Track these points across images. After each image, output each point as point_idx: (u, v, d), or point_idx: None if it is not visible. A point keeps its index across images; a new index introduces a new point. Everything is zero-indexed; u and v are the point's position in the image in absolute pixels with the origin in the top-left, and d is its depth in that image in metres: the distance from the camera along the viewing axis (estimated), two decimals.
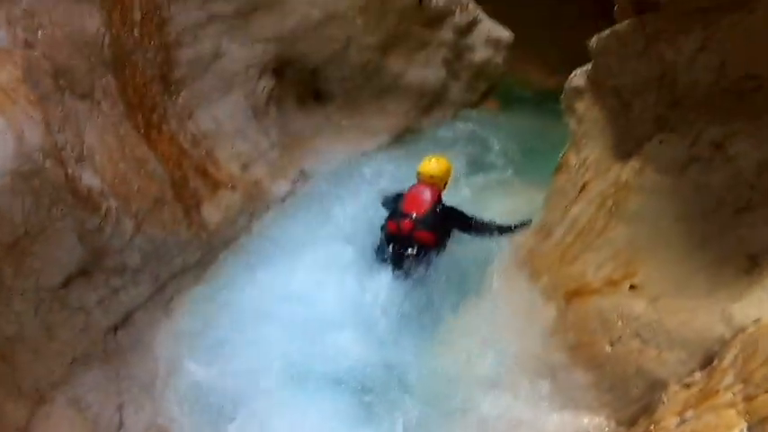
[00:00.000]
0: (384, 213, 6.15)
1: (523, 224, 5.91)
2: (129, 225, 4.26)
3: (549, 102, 5.70)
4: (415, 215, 5.76)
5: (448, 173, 6.20)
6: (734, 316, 3.13)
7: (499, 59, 10.09)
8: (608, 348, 3.93)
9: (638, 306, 3.82)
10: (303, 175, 7.23)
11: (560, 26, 8.64)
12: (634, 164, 4.34)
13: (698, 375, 3.22)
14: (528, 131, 9.36)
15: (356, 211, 6.62)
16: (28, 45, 4.03)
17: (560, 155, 5.54)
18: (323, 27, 7.46)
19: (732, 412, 2.62)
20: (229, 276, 5.48)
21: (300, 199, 6.92)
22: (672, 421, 3.01)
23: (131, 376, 4.26)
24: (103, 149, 4.30)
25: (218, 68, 6.33)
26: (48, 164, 3.57)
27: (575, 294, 4.43)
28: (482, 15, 9.69)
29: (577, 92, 5.19)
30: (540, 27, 12.43)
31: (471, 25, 9.51)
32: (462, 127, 9.35)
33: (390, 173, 7.58)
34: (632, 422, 3.63)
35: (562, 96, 5.45)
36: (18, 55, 3.91)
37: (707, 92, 3.81)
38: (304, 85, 7.99)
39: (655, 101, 4.24)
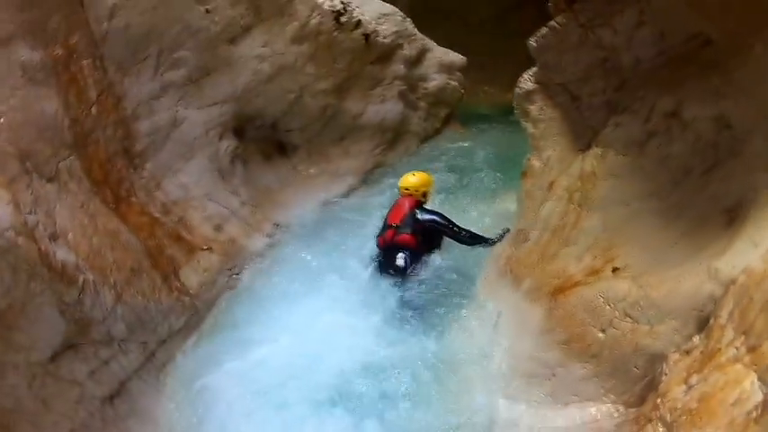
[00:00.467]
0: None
1: (502, 235, 6.01)
2: (108, 296, 4.27)
3: (510, 115, 5.80)
4: (395, 224, 6.23)
5: (424, 184, 6.61)
6: (721, 270, 3.11)
7: (455, 83, 10.22)
8: (600, 335, 3.93)
9: (623, 287, 3.82)
10: (278, 228, 7.24)
11: (509, 40, 8.78)
12: (595, 152, 4.41)
13: (696, 339, 3.19)
14: (494, 146, 9.51)
15: (333, 256, 6.68)
16: None
17: (525, 161, 5.61)
18: (275, 80, 7.55)
19: (738, 367, 2.59)
20: (217, 337, 5.44)
21: (278, 252, 6.93)
22: (678, 390, 2.97)
23: None
24: (75, 227, 4.34)
25: (179, 136, 6.37)
26: (20, 241, 3.62)
27: (559, 291, 4.45)
28: (430, 44, 9.83)
29: (528, 95, 5.26)
30: (490, 45, 12.67)
31: (421, 55, 9.65)
32: (429, 154, 9.48)
33: (362, 212, 7.67)
34: (640, 402, 3.57)
35: (514, 103, 5.53)
36: None
37: (652, 65, 3.90)
38: (266, 140, 8.05)
39: (602, 87, 4.33)
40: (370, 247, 6.52)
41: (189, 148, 6.48)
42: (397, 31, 8.96)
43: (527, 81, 5.29)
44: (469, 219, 6.80)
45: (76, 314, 3.99)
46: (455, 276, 6.05)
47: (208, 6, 6.57)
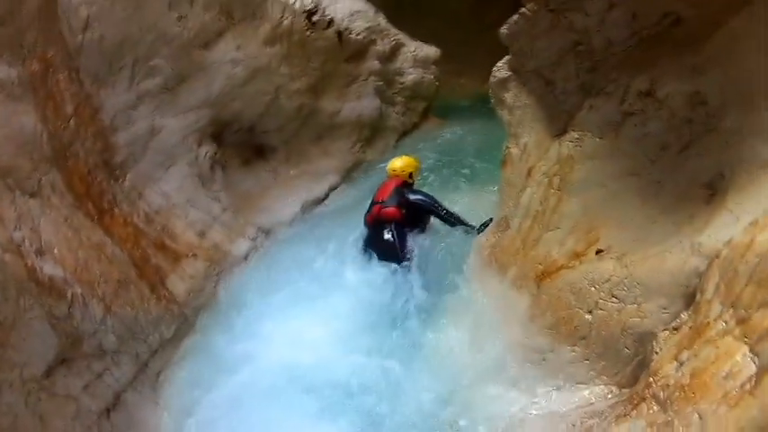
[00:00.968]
0: None
1: (486, 224, 6.04)
2: (97, 308, 4.28)
3: (487, 105, 5.83)
4: (381, 200, 6.52)
5: (409, 166, 6.98)
6: (704, 244, 3.14)
7: (430, 77, 10.24)
8: (588, 317, 3.96)
9: (607, 268, 3.86)
10: (261, 232, 7.24)
11: (484, 32, 8.79)
12: (571, 136, 4.42)
13: (684, 315, 3.22)
14: (473, 136, 9.54)
15: (319, 256, 6.66)
16: None
17: (503, 149, 5.64)
18: (250, 83, 7.56)
19: (729, 339, 2.62)
20: (209, 343, 5.43)
21: (263, 254, 6.96)
22: (669, 367, 3.00)
23: None
24: (61, 241, 4.35)
25: (157, 144, 6.38)
26: (7, 257, 3.64)
27: (543, 276, 4.47)
28: (404, 38, 9.84)
29: (502, 83, 5.25)
30: (465, 37, 12.67)
31: (395, 50, 9.67)
32: (409, 149, 9.37)
33: (345, 212, 7.67)
34: (633, 382, 3.62)
35: (490, 92, 5.55)
36: None
37: (624, 47, 3.90)
38: (245, 144, 8.05)
39: (575, 71, 4.32)
40: (354, 245, 6.58)
41: (168, 156, 6.49)
42: (369, 28, 8.96)
43: (501, 69, 5.27)
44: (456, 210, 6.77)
45: (67, 328, 4.00)
46: (445, 260, 6.09)
47: (180, 13, 6.58)
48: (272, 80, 7.80)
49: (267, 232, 7.31)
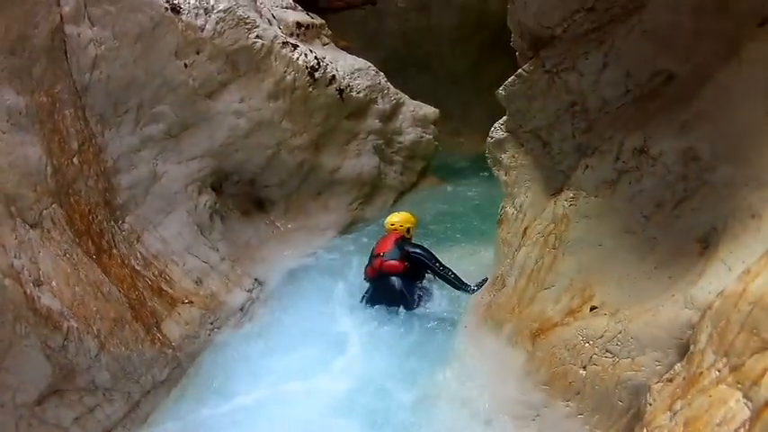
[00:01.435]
0: None
1: (481, 284, 6.15)
2: (92, 344, 4.25)
3: (486, 164, 5.93)
4: (382, 253, 6.66)
5: (407, 221, 7.18)
6: (696, 297, 3.18)
7: (429, 136, 10.37)
8: (582, 372, 3.98)
9: (601, 324, 3.90)
10: (258, 284, 7.24)
11: (482, 92, 8.97)
12: (566, 195, 4.52)
13: (678, 367, 3.23)
14: (471, 196, 9.67)
15: (313, 311, 6.66)
16: None
17: (499, 209, 5.71)
18: (252, 136, 7.66)
19: (722, 387, 2.62)
20: (200, 391, 5.36)
21: (258, 306, 6.89)
22: (663, 417, 3.00)
23: None
24: (59, 274, 4.35)
25: (159, 190, 6.44)
26: (7, 282, 3.64)
27: (538, 333, 4.52)
28: (404, 97, 10.00)
29: (499, 144, 5.39)
30: (463, 97, 12.90)
31: (395, 109, 9.82)
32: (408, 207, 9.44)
33: (341, 267, 7.67)
34: None
35: (487, 152, 5.65)
36: None
37: (618, 105, 4.03)
38: (245, 195, 8.13)
39: (571, 131, 4.45)
40: (350, 301, 6.68)
41: (168, 203, 6.54)
42: (370, 86, 9.13)
43: (498, 130, 5.42)
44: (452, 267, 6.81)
45: (61, 360, 3.98)
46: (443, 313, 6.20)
47: (186, 61, 6.72)
48: (274, 134, 7.90)
49: (263, 284, 7.28)
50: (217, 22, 7.11)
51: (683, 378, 3.08)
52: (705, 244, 3.45)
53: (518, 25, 4.65)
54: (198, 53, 6.88)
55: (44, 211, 4.61)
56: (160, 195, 6.43)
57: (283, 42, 7.81)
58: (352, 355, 5.82)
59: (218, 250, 7.00)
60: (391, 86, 9.75)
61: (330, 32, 9.77)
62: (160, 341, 5.25)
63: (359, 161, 9.15)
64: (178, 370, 5.39)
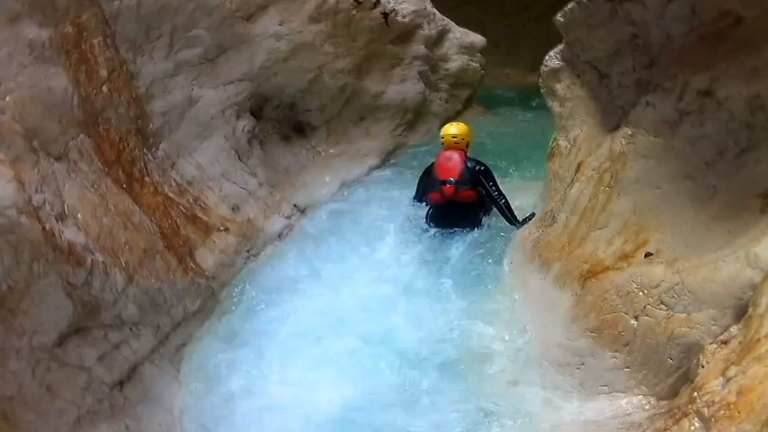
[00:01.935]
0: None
1: (527, 220, 5.95)
2: (119, 277, 4.13)
3: (533, 97, 5.66)
4: (453, 179, 6.28)
5: (469, 133, 6.68)
6: (760, 256, 3.01)
7: (476, 64, 10.04)
8: (633, 323, 3.82)
9: (657, 273, 3.71)
10: (297, 210, 7.11)
11: (529, 23, 8.62)
12: (624, 132, 4.28)
13: (734, 329, 3.10)
14: (517, 129, 9.34)
15: (355, 239, 6.51)
16: None
17: (550, 141, 5.47)
18: (292, 59, 7.42)
19: None
20: (235, 320, 5.29)
21: (297, 233, 6.78)
22: (715, 383, 2.86)
23: (141, 431, 4.10)
24: (85, 207, 4.21)
25: (194, 115, 6.25)
26: (23, 220, 3.50)
27: (589, 276, 4.32)
28: (450, 24, 9.66)
29: (554, 73, 5.13)
30: (511, 27, 12.49)
31: (442, 35, 9.49)
32: None
33: (385, 195, 7.48)
34: (673, 394, 3.49)
35: (540, 82, 5.37)
36: None
37: (683, 42, 3.74)
38: (285, 120, 7.92)
39: (632, 65, 4.20)
40: (392, 228, 6.50)
41: (205, 128, 6.35)
42: (416, 11, 8.77)
43: (553, 59, 5.15)
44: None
45: (84, 296, 3.86)
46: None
47: None
48: (315, 58, 7.65)
49: (303, 210, 7.15)
50: None
51: (739, 342, 2.94)
52: (767, 200, 3.24)
53: None
54: None
55: (70, 143, 4.46)
56: (196, 121, 6.23)
57: None
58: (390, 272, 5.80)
59: (256, 176, 6.84)
60: (437, 12, 9.39)
61: None
62: (193, 270, 5.15)
63: (403, 87, 8.86)
64: (212, 300, 5.31)
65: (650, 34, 3.94)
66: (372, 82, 8.52)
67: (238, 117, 6.85)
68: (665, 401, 3.53)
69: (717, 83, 3.51)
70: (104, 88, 5.10)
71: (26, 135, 4.04)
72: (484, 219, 6.35)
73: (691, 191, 3.74)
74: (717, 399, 2.77)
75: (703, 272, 3.37)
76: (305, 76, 7.68)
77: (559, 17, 4.66)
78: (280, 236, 6.59)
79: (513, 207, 6.20)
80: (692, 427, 2.84)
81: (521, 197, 6.58)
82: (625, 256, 4.08)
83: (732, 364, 2.84)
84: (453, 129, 6.66)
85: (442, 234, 6.29)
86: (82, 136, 4.61)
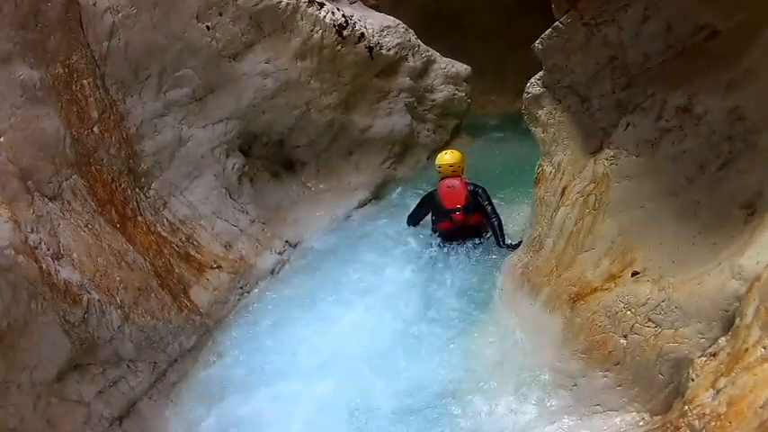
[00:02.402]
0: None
1: (513, 247, 6.04)
2: (115, 315, 4.20)
3: (519, 123, 5.74)
4: (460, 206, 6.58)
5: (463, 159, 7.06)
6: (744, 267, 3.01)
7: (462, 94, 10.09)
8: (622, 342, 3.83)
9: (644, 291, 3.74)
10: (289, 246, 7.15)
11: (515, 49, 8.68)
12: (607, 154, 4.33)
13: (723, 341, 3.10)
14: (504, 155, 9.38)
15: (348, 272, 6.57)
16: None
17: (536, 167, 5.53)
18: (280, 96, 7.48)
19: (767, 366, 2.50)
20: (229, 356, 5.32)
21: (290, 269, 6.85)
22: (706, 395, 2.86)
23: None
24: (80, 246, 4.29)
25: (184, 154, 6.33)
26: (20, 259, 3.56)
27: (577, 298, 4.36)
28: (435, 55, 9.71)
29: (536, 100, 5.18)
30: (496, 54, 12.57)
31: (427, 66, 9.53)
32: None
33: (376, 227, 7.58)
34: (666, 409, 3.48)
35: (523, 109, 5.45)
36: None
37: (660, 61, 3.82)
38: (274, 157, 7.98)
39: (611, 87, 4.25)
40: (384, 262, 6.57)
41: (195, 167, 6.43)
42: (400, 43, 8.85)
43: (534, 85, 5.21)
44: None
45: (82, 334, 3.93)
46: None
47: (208, 23, 6.53)
48: (302, 94, 7.71)
49: (295, 246, 7.20)
50: None
51: (728, 353, 2.94)
52: (750, 210, 3.28)
53: None
54: (221, 15, 6.67)
55: (64, 183, 4.54)
56: (186, 160, 6.32)
57: (309, 1, 7.55)
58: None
59: (247, 213, 6.92)
60: (422, 44, 9.43)
61: None
62: (188, 308, 5.22)
63: (390, 119, 8.89)
64: (206, 336, 5.37)
65: (627, 55, 4.01)
66: (359, 116, 8.56)
67: (228, 155, 6.92)
68: (659, 416, 3.53)
69: (695, 98, 3.58)
70: (95, 129, 5.18)
71: (21, 175, 4.11)
72: (484, 233, 6.63)
73: (674, 207, 3.78)
74: (707, 410, 2.77)
75: (689, 286, 3.39)
76: (292, 113, 7.72)
77: (538, 44, 4.73)
78: (272, 272, 6.65)
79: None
80: None
81: (509, 222, 6.73)
82: (612, 277, 4.11)
83: (721, 375, 2.84)
84: (448, 157, 6.99)
85: (442, 254, 6.51)
86: (75, 176, 4.69)
